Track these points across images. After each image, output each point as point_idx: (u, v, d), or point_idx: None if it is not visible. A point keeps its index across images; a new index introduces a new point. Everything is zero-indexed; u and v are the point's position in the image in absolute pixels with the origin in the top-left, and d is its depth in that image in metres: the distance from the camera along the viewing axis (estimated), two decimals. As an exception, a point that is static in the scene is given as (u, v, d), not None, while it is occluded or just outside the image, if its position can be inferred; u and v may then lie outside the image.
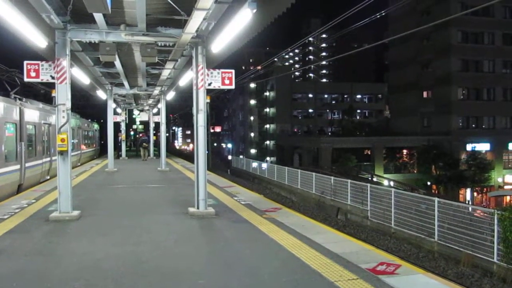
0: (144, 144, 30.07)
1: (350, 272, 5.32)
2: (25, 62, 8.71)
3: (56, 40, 8.70)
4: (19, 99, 14.60)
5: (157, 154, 27.07)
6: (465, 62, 45.62)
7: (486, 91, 46.43)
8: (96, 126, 37.25)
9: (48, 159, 17.38)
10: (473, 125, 46.33)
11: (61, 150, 8.68)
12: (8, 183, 12.63)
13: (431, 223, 13.01)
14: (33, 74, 8.71)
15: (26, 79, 8.86)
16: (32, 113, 15.34)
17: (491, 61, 46.08)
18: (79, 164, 25.73)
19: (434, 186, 40.74)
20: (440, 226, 12.75)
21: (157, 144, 29.47)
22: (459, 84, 45.50)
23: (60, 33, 8.67)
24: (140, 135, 34.99)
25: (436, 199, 13.24)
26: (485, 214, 12.76)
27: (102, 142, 38.37)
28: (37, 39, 8.65)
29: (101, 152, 38.16)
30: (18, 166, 13.48)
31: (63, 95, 8.68)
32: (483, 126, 46.59)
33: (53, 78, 8.71)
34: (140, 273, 5.35)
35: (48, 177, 17.19)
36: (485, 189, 41.13)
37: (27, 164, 14.33)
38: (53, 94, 8.77)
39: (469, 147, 43.87)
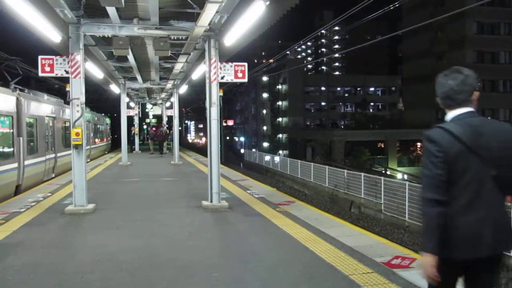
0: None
1: (365, 266, 5.29)
2: (39, 57, 8.76)
3: (70, 35, 8.74)
4: (20, 89, 13.62)
5: (170, 148, 26.71)
6: (481, 53, 44.98)
7: (502, 82, 45.74)
8: (107, 120, 36.36)
9: (53, 155, 16.18)
10: (489, 118, 45.63)
11: (76, 144, 8.76)
12: (2, 184, 11.18)
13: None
14: (47, 68, 8.78)
15: (40, 74, 8.93)
16: (33, 105, 13.96)
17: (508, 52, 45.33)
18: (89, 160, 24.08)
19: (448, 179, 40.32)
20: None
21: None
22: (474, 76, 44.88)
23: (73, 28, 8.72)
24: (153, 129, 34.78)
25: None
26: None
27: (116, 136, 38.44)
28: (51, 34, 8.73)
29: (113, 146, 37.77)
30: (15, 165, 12.10)
31: (77, 89, 8.74)
32: (499, 119, 45.94)
33: (67, 72, 8.77)
34: (154, 266, 5.38)
35: (53, 175, 16.16)
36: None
37: (27, 162, 13.00)
38: (67, 89, 8.84)
39: (484, 139, 43.31)
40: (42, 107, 15.04)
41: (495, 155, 2.50)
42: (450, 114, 2.67)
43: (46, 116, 15.47)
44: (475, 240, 2.49)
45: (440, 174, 2.49)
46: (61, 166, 17.20)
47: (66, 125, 18.31)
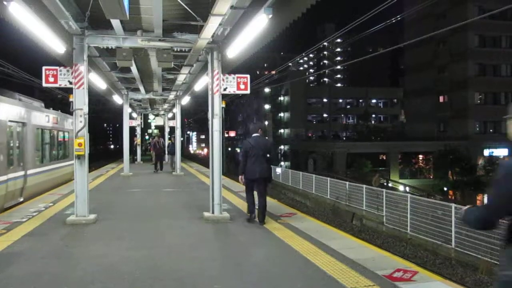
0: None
1: (367, 279, 5.27)
2: (43, 68, 8.82)
3: (74, 46, 8.82)
4: None
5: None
6: (483, 66, 45.12)
7: (504, 95, 45.80)
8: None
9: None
10: (491, 130, 45.67)
11: (78, 155, 8.78)
12: None
13: (448, 229, 12.84)
14: (51, 79, 8.83)
15: (44, 85, 8.98)
16: None
17: (510, 65, 45.47)
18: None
19: (451, 192, 40.19)
20: (457, 233, 12.58)
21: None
22: (476, 88, 44.98)
23: (78, 39, 8.79)
24: (155, 138, 33.68)
25: (453, 205, 13.07)
26: (504, 221, 12.55)
27: (118, 146, 37.89)
28: (56, 45, 8.80)
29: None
30: None
31: (80, 100, 8.79)
32: (501, 131, 45.87)
33: (70, 83, 8.82)
34: (155, 277, 5.37)
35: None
36: (503, 195, 40.38)
37: None
38: (70, 99, 8.89)
39: (486, 152, 43.21)
40: None
41: (261, 147, 8.45)
42: (252, 135, 8.75)
43: None
44: (254, 173, 8.41)
45: (245, 156, 8.51)
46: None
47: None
